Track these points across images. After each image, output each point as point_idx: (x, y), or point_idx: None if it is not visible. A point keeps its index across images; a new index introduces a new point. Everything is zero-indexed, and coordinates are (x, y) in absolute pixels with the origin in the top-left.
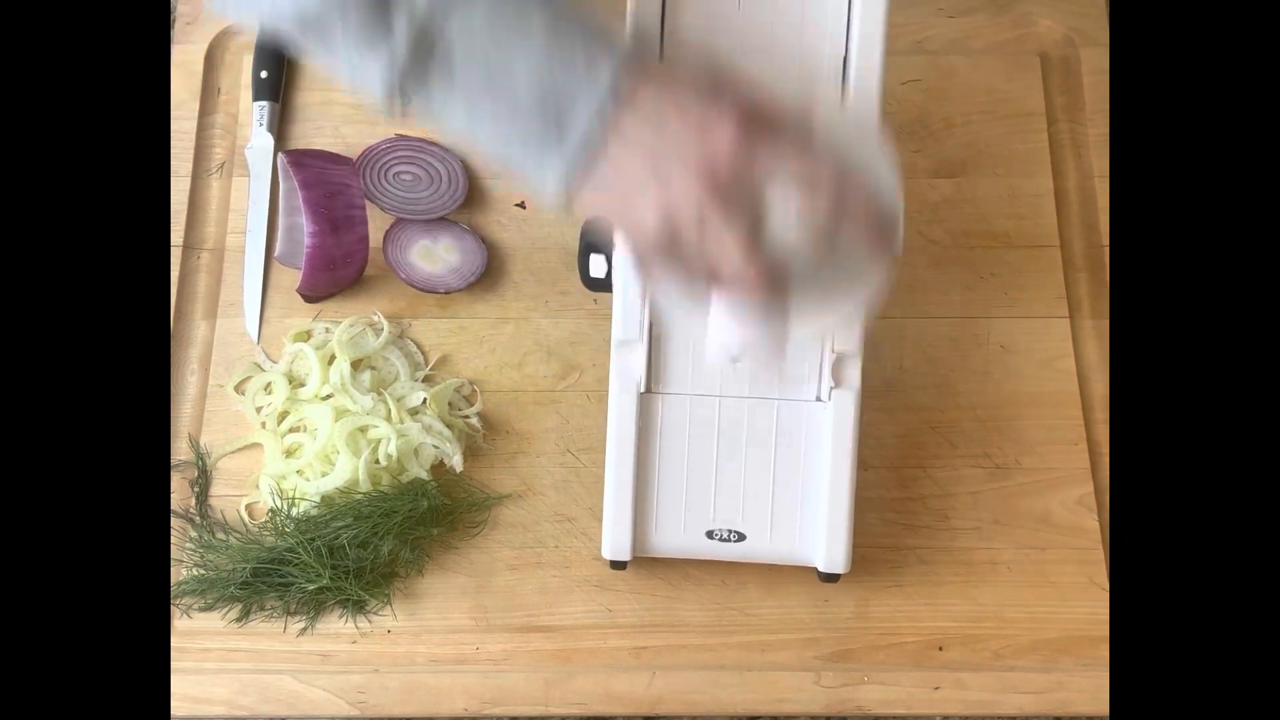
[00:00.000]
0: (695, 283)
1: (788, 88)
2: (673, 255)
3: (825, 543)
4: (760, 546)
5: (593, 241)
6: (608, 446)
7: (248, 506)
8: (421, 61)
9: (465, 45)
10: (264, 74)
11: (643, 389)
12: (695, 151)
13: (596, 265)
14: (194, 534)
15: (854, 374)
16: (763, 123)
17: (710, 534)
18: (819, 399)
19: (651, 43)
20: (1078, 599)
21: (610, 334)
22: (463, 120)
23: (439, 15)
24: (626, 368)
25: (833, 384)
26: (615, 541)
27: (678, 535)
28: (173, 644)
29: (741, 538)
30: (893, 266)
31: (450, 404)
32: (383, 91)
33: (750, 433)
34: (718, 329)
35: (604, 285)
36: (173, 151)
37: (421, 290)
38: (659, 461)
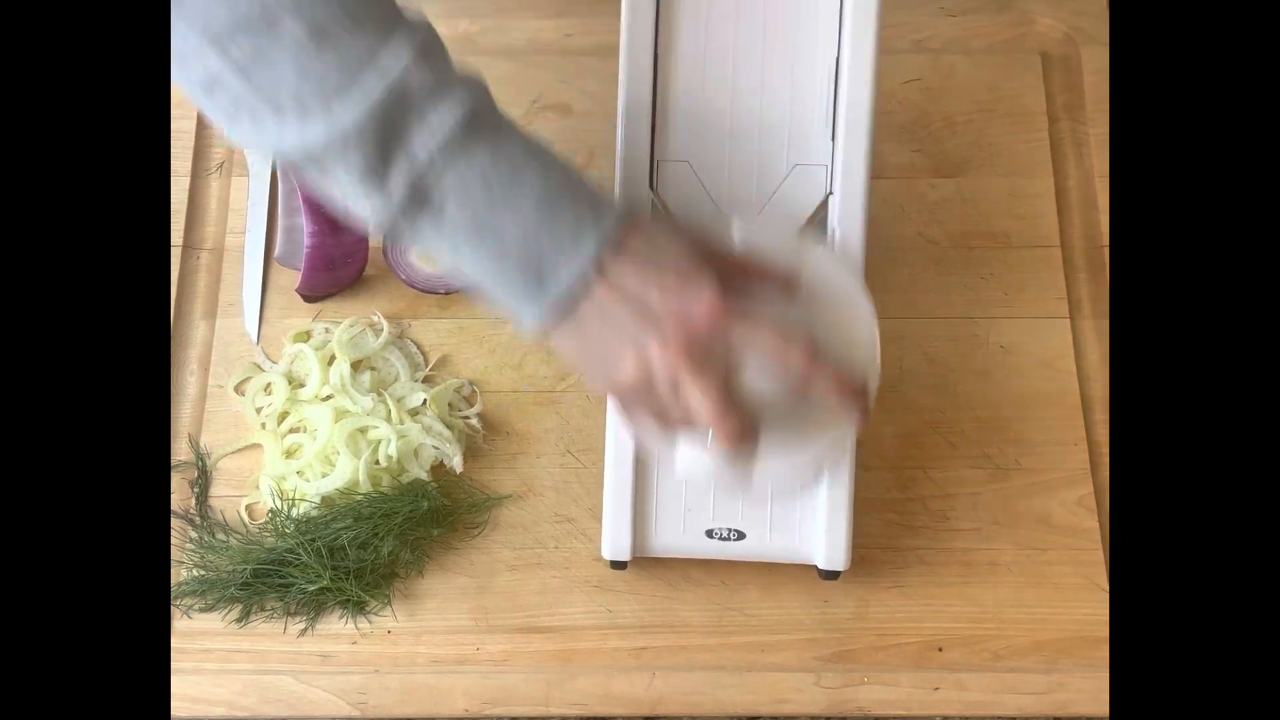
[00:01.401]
0: (667, 423)
1: (773, 241)
2: (645, 401)
3: (825, 540)
4: (760, 545)
5: None
6: (607, 447)
7: (248, 507)
8: (415, 208)
9: (458, 200)
10: None
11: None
12: (673, 321)
13: None
14: (194, 535)
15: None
16: (741, 295)
17: (710, 533)
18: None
19: (641, 208)
20: (1078, 599)
21: None
22: (447, 258)
23: (436, 169)
24: None
25: None
26: (615, 542)
27: (677, 535)
28: (173, 645)
29: (741, 536)
30: (863, 421)
31: (450, 404)
32: (373, 224)
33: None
34: (686, 461)
35: None
36: (172, 151)
37: (421, 291)
38: (658, 462)
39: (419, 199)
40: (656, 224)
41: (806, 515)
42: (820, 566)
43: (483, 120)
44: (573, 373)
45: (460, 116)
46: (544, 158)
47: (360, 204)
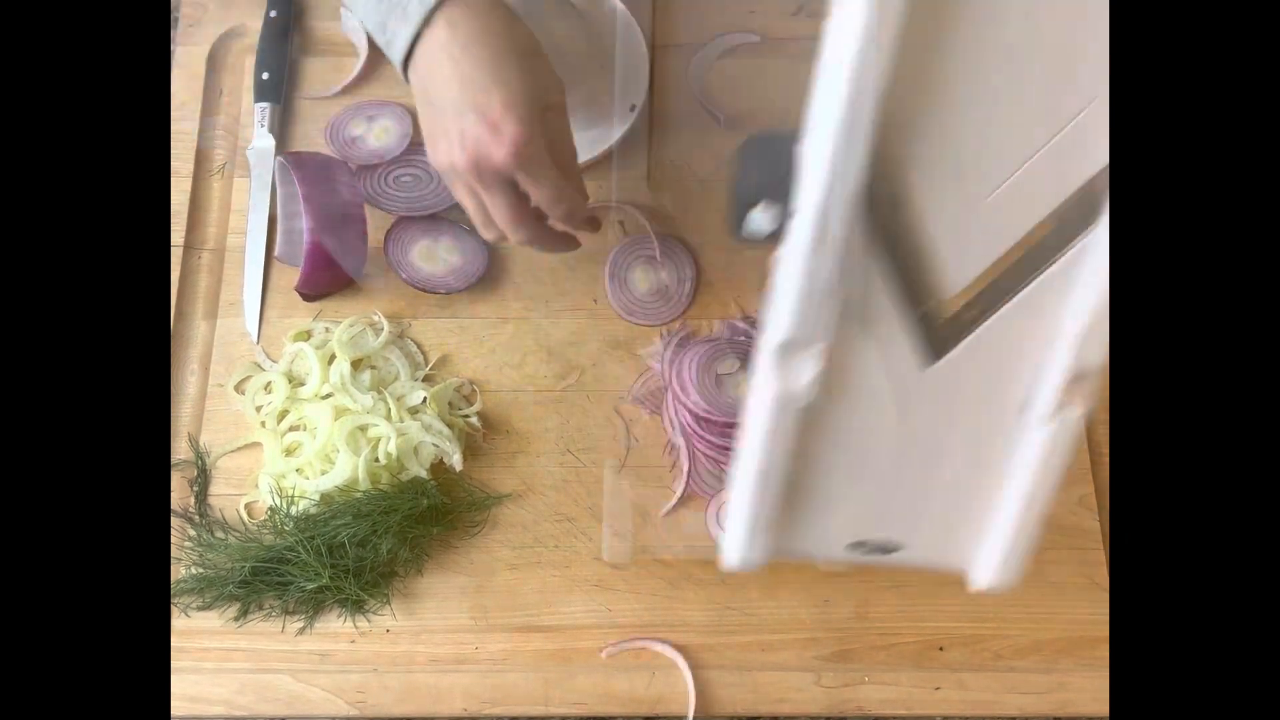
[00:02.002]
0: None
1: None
2: (454, 185)
3: (1001, 559)
4: (912, 557)
5: (755, 191)
6: (746, 458)
7: (247, 505)
8: None
9: None
10: (265, 76)
11: (808, 400)
12: (470, 144)
13: (761, 219)
14: (193, 533)
15: (1089, 392)
16: (538, 134)
17: (857, 544)
18: (1040, 416)
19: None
20: (1078, 599)
21: (611, 333)
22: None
23: None
24: (791, 375)
25: (1063, 402)
26: (748, 547)
27: (813, 541)
28: (171, 643)
29: (894, 549)
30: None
31: (450, 403)
32: None
33: (933, 446)
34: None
35: (770, 242)
36: (174, 152)
37: (422, 290)
38: (808, 471)
39: None
40: (488, 3)
41: (973, 528)
42: (983, 587)
43: None
44: (573, 372)
45: None
46: None
47: None
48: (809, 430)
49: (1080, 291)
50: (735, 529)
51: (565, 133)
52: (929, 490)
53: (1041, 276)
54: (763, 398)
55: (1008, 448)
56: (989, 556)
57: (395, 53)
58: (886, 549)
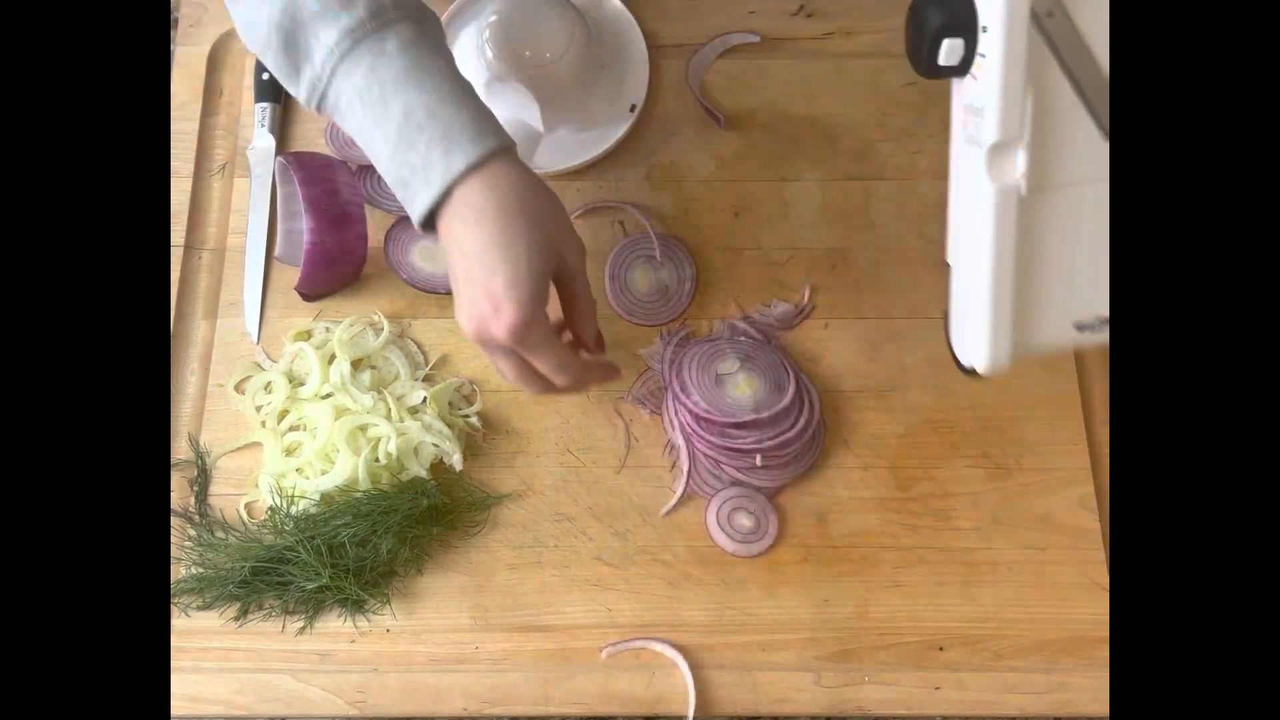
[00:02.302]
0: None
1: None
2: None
3: None
4: None
5: (939, 31)
6: (978, 257)
7: (247, 505)
8: (322, 105)
9: (346, 109)
10: (265, 76)
11: (1024, 192)
12: (474, 317)
13: (949, 52)
14: (193, 533)
15: None
16: (531, 328)
17: (1082, 325)
18: None
19: (506, 143)
20: (1078, 599)
21: (611, 333)
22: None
23: (325, 78)
24: (1006, 171)
25: None
26: (996, 348)
27: (1046, 329)
28: (171, 643)
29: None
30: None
31: (450, 403)
32: (304, 104)
33: None
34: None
35: (958, 72)
36: (175, 152)
37: (422, 290)
38: (1030, 260)
39: (321, 100)
40: (509, 173)
41: None
42: None
43: (362, 42)
44: None
45: (337, 38)
46: (417, 83)
47: (290, 88)
48: (1026, 222)
49: None
50: (977, 332)
51: (583, 293)
52: None
53: None
54: (986, 198)
55: None
56: None
57: (413, 213)
58: (1109, 321)
